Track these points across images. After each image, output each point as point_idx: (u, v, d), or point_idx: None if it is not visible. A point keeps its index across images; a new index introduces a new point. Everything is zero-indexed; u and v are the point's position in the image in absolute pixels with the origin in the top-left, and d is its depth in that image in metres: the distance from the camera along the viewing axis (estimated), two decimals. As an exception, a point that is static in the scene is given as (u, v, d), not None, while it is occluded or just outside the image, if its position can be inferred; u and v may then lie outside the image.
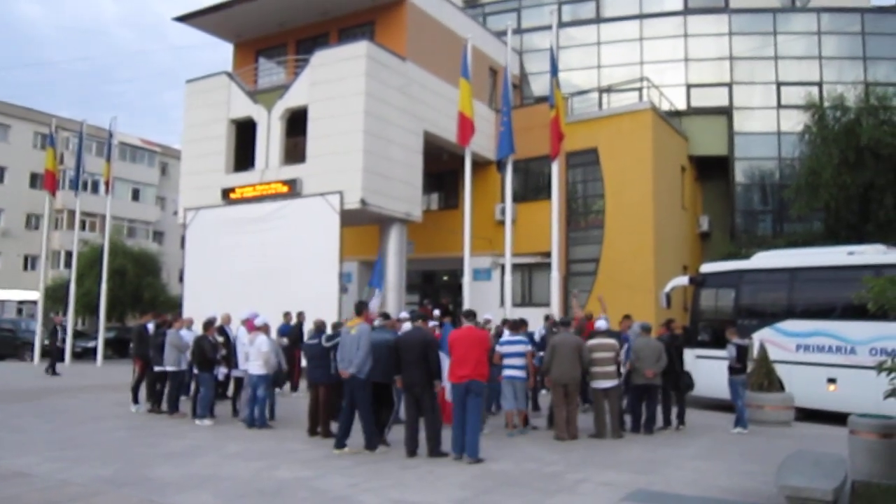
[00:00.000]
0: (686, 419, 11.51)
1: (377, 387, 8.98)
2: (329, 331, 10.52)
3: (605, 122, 22.30)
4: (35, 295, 30.38)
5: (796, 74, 24.71)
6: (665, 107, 24.32)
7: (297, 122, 19.63)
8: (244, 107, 20.66)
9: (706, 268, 16.14)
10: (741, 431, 11.12)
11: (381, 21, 20.65)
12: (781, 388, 12.43)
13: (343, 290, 18.89)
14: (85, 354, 25.39)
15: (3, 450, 8.84)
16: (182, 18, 22.44)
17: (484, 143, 21.29)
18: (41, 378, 18.64)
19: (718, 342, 13.06)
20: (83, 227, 35.26)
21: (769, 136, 24.78)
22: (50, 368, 19.42)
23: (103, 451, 8.92)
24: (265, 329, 11.10)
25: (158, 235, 47.95)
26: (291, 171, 19.34)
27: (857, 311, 11.40)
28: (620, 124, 21.74)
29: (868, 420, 7.17)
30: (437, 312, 14.92)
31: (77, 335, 26.17)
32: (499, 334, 11.44)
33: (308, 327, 12.32)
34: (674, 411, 11.45)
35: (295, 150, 19.90)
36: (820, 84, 23.97)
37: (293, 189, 19.04)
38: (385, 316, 10.64)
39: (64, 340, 21.86)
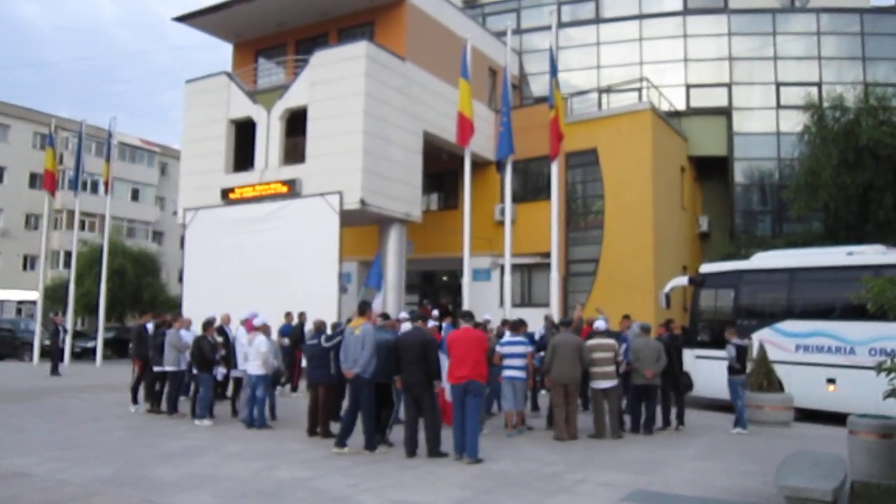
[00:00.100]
0: (685, 419, 11.52)
1: (378, 387, 8.99)
2: (329, 331, 10.53)
3: (604, 122, 22.30)
4: (34, 295, 30.40)
5: (795, 75, 24.72)
6: (664, 107, 24.33)
7: (296, 123, 19.63)
8: (244, 107, 20.66)
9: (705, 268, 16.15)
10: (740, 432, 11.12)
11: (380, 21, 20.65)
12: (781, 388, 12.43)
13: (343, 290, 18.89)
14: (84, 354, 25.39)
15: (2, 450, 8.84)
16: (181, 19, 22.43)
17: (483, 143, 21.29)
18: (40, 378, 18.63)
19: (718, 342, 13.06)
20: (82, 227, 35.21)
21: (768, 137, 24.79)
22: (64, 367, 19.40)
23: (102, 451, 8.91)
24: (264, 329, 11.09)
25: (158, 235, 47.94)
26: (291, 172, 19.34)
27: (856, 312, 11.41)
28: (620, 125, 21.74)
29: (867, 420, 7.17)
30: (435, 313, 14.91)
31: (76, 335, 26.17)
32: (500, 335, 11.43)
33: (309, 328, 12.32)
34: (673, 412, 11.46)
35: (294, 150, 19.90)
36: (819, 84, 23.98)
37: (293, 189, 19.04)
38: (385, 316, 10.64)
39: (65, 341, 21.86)
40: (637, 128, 21.35)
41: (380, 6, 20.46)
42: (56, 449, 8.97)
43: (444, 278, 25.10)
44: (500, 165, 17.73)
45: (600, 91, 25.63)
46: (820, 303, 13.88)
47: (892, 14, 25.94)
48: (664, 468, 8.27)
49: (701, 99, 25.35)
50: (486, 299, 20.73)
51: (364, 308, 9.37)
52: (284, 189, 19.20)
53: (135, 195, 46.97)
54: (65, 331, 21.94)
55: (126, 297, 31.93)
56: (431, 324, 10.67)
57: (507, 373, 10.43)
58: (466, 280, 17.10)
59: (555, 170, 17.13)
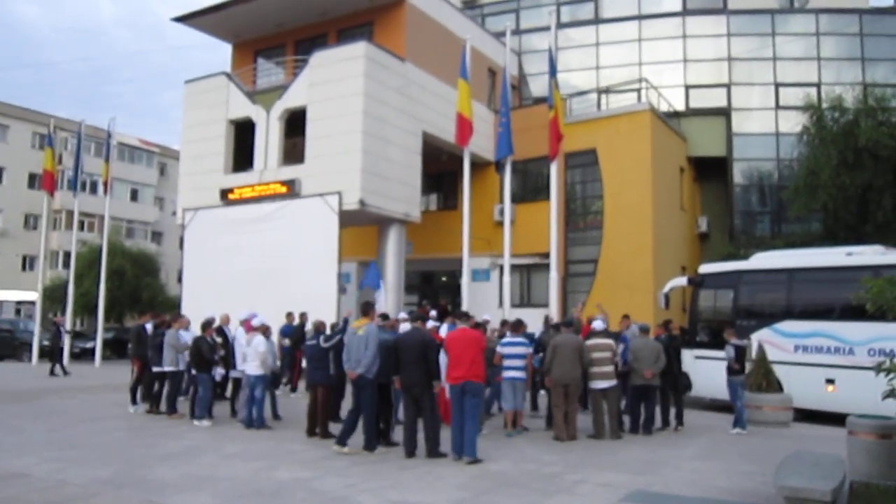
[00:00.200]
0: (685, 420, 11.52)
1: (380, 387, 9.00)
2: (328, 332, 10.53)
3: (603, 122, 22.31)
4: (33, 295, 30.38)
5: (795, 75, 24.76)
6: (664, 108, 24.34)
7: (295, 123, 19.63)
8: (243, 107, 20.66)
9: (705, 268, 16.17)
10: (740, 432, 11.13)
11: (379, 22, 20.65)
12: (780, 388, 12.44)
13: (342, 290, 18.88)
14: (83, 355, 25.35)
15: (2, 450, 8.83)
16: (181, 19, 22.44)
17: (483, 143, 21.29)
18: (40, 379, 18.60)
19: (717, 343, 13.07)
20: (81, 227, 35.16)
21: (768, 137, 24.82)
22: (60, 369, 19.38)
23: (102, 451, 8.91)
24: (263, 330, 11.08)
25: (157, 236, 47.90)
26: (290, 172, 19.33)
27: (855, 312, 11.43)
28: (619, 125, 21.76)
29: (866, 421, 7.18)
30: (433, 313, 14.89)
31: (75, 336, 26.12)
32: (502, 336, 11.42)
33: (310, 328, 12.32)
34: (672, 412, 11.46)
35: (294, 150, 19.89)
36: (818, 85, 24.01)
37: (292, 189, 19.03)
38: (384, 317, 10.64)
39: (64, 342, 21.82)
40: (636, 128, 21.36)
41: (379, 6, 20.47)
42: (55, 449, 8.97)
43: (444, 279, 25.10)
44: (499, 166, 17.72)
45: (599, 91, 25.65)
46: (819, 303, 13.89)
47: (890, 15, 25.99)
48: (663, 468, 8.27)
49: (700, 99, 25.37)
50: (485, 300, 20.73)
51: (367, 308, 9.37)
52: (283, 189, 19.20)
53: (134, 195, 46.93)
54: (66, 332, 21.90)
55: (125, 298, 31.89)
56: (431, 324, 10.67)
57: (507, 373, 10.43)
58: (465, 280, 17.08)
59: (554, 170, 17.13)
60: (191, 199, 21.17)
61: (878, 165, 19.46)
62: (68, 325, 23.61)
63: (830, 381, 12.96)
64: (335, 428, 9.80)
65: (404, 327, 10.17)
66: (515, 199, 19.46)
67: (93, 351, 24.11)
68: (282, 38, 22.61)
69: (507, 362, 10.43)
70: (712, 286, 15.59)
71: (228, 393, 12.73)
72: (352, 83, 18.42)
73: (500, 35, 22.91)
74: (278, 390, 13.18)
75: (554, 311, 16.04)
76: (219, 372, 11.73)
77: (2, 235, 41.75)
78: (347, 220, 18.63)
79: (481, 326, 11.51)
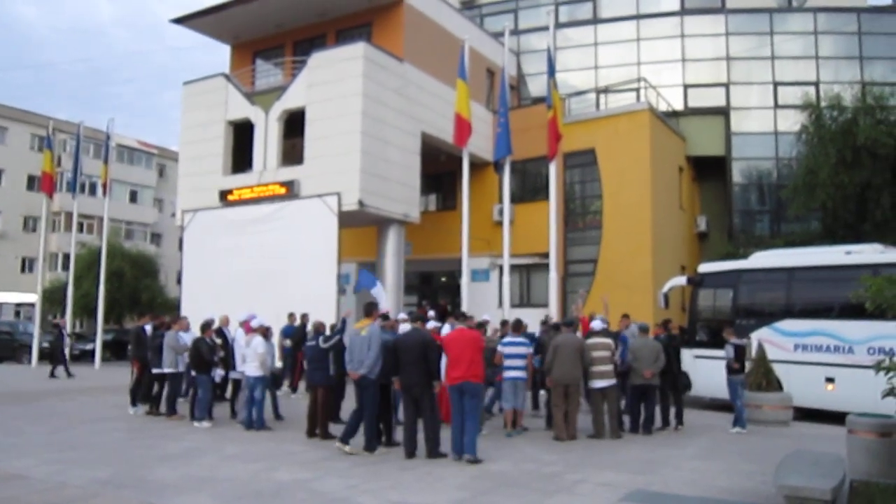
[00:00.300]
0: (684, 419, 11.53)
1: (381, 388, 9.01)
2: (328, 333, 10.53)
3: (602, 122, 22.31)
4: (33, 297, 30.35)
5: (793, 74, 24.77)
6: (662, 107, 24.34)
7: (294, 124, 19.62)
8: (242, 108, 20.65)
9: (704, 268, 16.18)
10: (740, 431, 11.14)
11: (378, 22, 20.65)
12: (780, 387, 12.44)
13: (341, 291, 18.87)
14: (83, 357, 25.34)
15: (1, 452, 8.82)
16: (179, 20, 22.43)
17: (481, 144, 21.29)
18: (40, 380, 18.61)
19: (717, 342, 13.08)
20: (80, 229, 35.19)
21: (766, 136, 24.84)
22: (63, 371, 19.37)
23: (101, 453, 8.90)
24: (263, 331, 11.08)
25: (156, 237, 47.88)
26: (289, 173, 19.33)
27: (854, 311, 11.42)
28: (618, 125, 21.76)
29: (866, 419, 7.18)
30: (431, 313, 14.87)
31: (75, 338, 26.11)
32: (504, 336, 11.41)
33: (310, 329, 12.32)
34: (672, 412, 11.46)
35: (293, 151, 19.88)
36: (817, 84, 24.03)
37: (291, 190, 19.02)
38: (385, 317, 10.64)
39: (66, 344, 21.81)
40: (635, 128, 21.36)
41: (377, 7, 20.47)
42: (55, 451, 8.96)
43: (443, 279, 25.10)
44: (498, 166, 17.73)
45: (598, 91, 25.65)
46: (818, 302, 13.90)
47: (889, 13, 26.01)
48: (663, 468, 8.27)
49: (699, 99, 25.38)
50: (484, 300, 20.73)
51: (370, 309, 9.38)
52: (283, 190, 19.19)
53: (133, 197, 46.93)
54: (68, 334, 21.89)
55: (124, 299, 31.89)
56: (433, 324, 10.67)
57: (508, 373, 10.44)
58: (465, 281, 17.09)
59: (553, 170, 17.14)
60: (190, 200, 21.16)
61: (877, 164, 19.47)
62: (68, 328, 23.62)
63: (830, 380, 12.96)
64: (335, 429, 9.81)
65: (404, 328, 10.17)
66: (514, 200, 19.46)
67: (92, 353, 24.10)
68: (280, 38, 22.61)
69: (507, 362, 10.44)
70: (712, 285, 15.59)
71: (228, 394, 12.73)
72: (350, 84, 18.42)
73: (498, 35, 22.91)
74: (281, 391, 13.20)
75: (554, 311, 16.06)
76: (218, 373, 11.74)
77: (1, 237, 41.74)
78: (346, 220, 18.62)
79: (482, 327, 11.54)
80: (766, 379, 12.25)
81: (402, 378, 8.65)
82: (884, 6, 27.24)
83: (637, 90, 24.47)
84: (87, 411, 12.89)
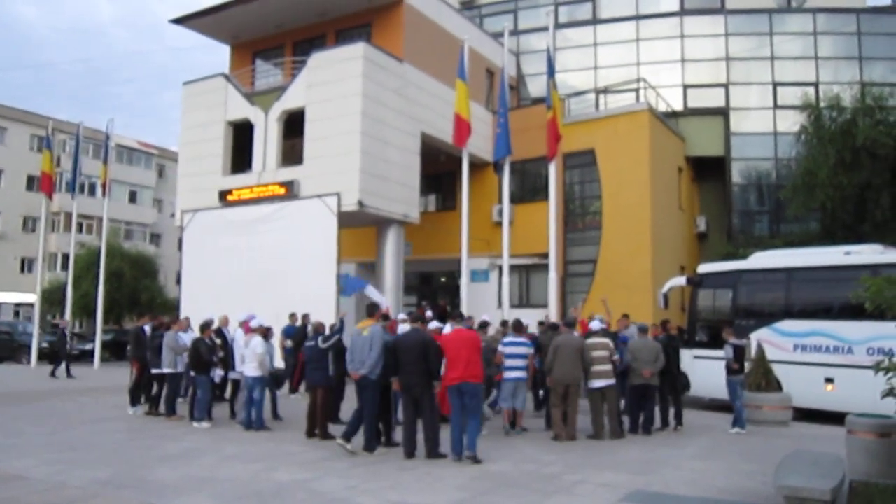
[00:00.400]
0: (684, 419, 11.53)
1: (383, 388, 9.02)
2: (327, 333, 10.53)
3: (602, 123, 22.31)
4: (32, 297, 30.32)
5: (792, 75, 24.78)
6: (662, 107, 24.34)
7: (294, 124, 19.62)
8: (241, 109, 20.65)
9: (703, 268, 16.18)
10: (739, 431, 11.14)
11: (378, 22, 20.66)
12: (779, 388, 12.45)
13: (341, 291, 18.85)
14: (82, 357, 25.34)
15: (1, 452, 8.82)
16: (179, 20, 22.43)
17: (481, 144, 21.30)
18: (39, 381, 18.61)
19: (716, 342, 13.08)
20: (80, 229, 35.20)
21: (766, 137, 24.84)
22: (65, 371, 19.36)
23: (101, 453, 8.90)
24: (263, 331, 11.08)
25: (155, 237, 47.88)
26: (289, 173, 19.33)
27: (854, 311, 11.44)
28: (617, 125, 21.76)
29: (866, 419, 7.18)
30: (429, 314, 14.86)
31: (76, 338, 26.10)
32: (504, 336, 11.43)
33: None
34: (671, 412, 11.47)
35: (292, 151, 19.88)
36: (816, 84, 24.04)
37: (290, 191, 19.02)
38: (385, 317, 10.64)
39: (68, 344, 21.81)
40: (634, 128, 21.36)
41: (377, 7, 20.47)
42: (54, 451, 8.96)
43: (443, 279, 25.10)
44: (497, 166, 17.74)
45: (598, 92, 25.64)
46: (818, 302, 13.91)
47: (888, 14, 26.02)
48: (663, 468, 8.28)
49: (698, 99, 25.39)
50: (484, 300, 20.73)
51: (373, 310, 9.40)
52: (282, 191, 19.19)
53: (132, 197, 46.94)
54: (71, 334, 21.89)
55: (124, 300, 31.89)
56: (435, 325, 10.67)
57: (508, 373, 10.44)
58: (464, 281, 17.09)
59: (552, 170, 17.15)
60: (189, 200, 21.16)
61: (876, 164, 19.47)
62: (67, 328, 23.61)
63: (829, 381, 12.96)
64: (334, 429, 9.81)
65: (403, 328, 10.17)
66: (514, 200, 19.48)
67: (92, 353, 24.09)
68: (280, 39, 22.61)
69: (508, 362, 10.45)
70: (711, 286, 15.60)
71: (228, 395, 12.73)
72: (350, 84, 18.42)
73: (498, 36, 22.91)
74: (281, 391, 13.20)
75: (553, 312, 16.06)
76: (217, 374, 11.74)
77: (0, 237, 41.72)
78: (346, 221, 18.62)
79: (484, 328, 11.55)
80: (765, 379, 12.26)
81: (401, 378, 8.65)
82: (883, 7, 27.27)
83: (636, 90, 24.47)
84: (87, 412, 12.89)
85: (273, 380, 11.79)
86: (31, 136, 43.28)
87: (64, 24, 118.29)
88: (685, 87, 25.57)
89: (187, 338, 12.01)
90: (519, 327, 10.98)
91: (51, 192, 26.09)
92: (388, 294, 19.05)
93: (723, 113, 25.10)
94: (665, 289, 16.56)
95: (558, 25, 25.01)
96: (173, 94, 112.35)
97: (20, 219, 42.82)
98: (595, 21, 27.20)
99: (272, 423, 11.33)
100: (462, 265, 17.20)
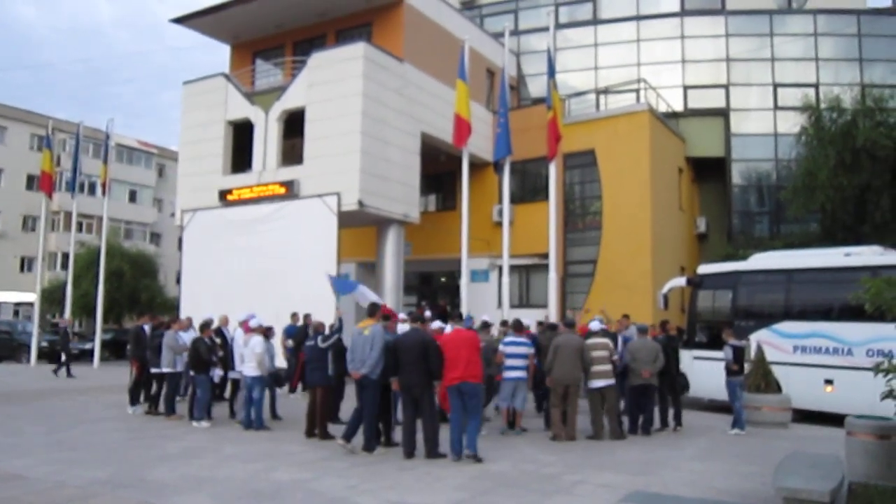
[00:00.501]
0: (683, 420, 11.53)
1: (383, 388, 9.02)
2: (327, 332, 10.53)
3: (602, 123, 22.32)
4: (32, 297, 30.32)
5: (793, 76, 24.80)
6: (662, 108, 24.35)
7: (294, 124, 19.62)
8: (241, 108, 20.65)
9: (703, 269, 16.18)
10: (738, 433, 11.14)
11: (378, 22, 20.65)
12: (779, 389, 12.44)
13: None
14: (82, 356, 25.33)
15: (0, 452, 8.82)
16: (179, 20, 22.42)
17: (481, 144, 21.30)
18: (39, 380, 18.60)
19: (716, 343, 13.08)
20: (80, 228, 35.21)
21: (766, 138, 24.86)
22: (65, 370, 19.38)
23: (100, 452, 8.90)
24: (264, 331, 11.08)
25: (155, 237, 47.88)
26: (289, 173, 19.32)
27: (853, 313, 11.46)
28: (617, 126, 21.76)
29: (865, 421, 7.19)
30: (428, 314, 14.83)
31: (77, 338, 26.11)
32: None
33: (311, 329, 12.30)
34: (671, 413, 11.47)
35: (292, 151, 19.88)
36: (816, 86, 24.05)
37: (291, 190, 19.02)
38: (386, 317, 10.63)
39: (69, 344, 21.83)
40: (635, 129, 21.37)
41: (377, 7, 20.47)
42: (54, 451, 8.96)
43: (443, 279, 25.11)
44: (497, 166, 17.73)
45: (598, 92, 25.65)
46: (817, 304, 13.91)
47: (888, 15, 26.03)
48: (662, 469, 8.28)
49: (698, 100, 25.40)
50: (484, 300, 20.74)
51: (374, 310, 9.40)
52: (282, 190, 19.19)
53: (132, 197, 46.94)
54: (73, 334, 21.91)
55: (124, 299, 31.89)
56: (438, 324, 10.67)
57: (508, 373, 10.44)
58: (464, 281, 17.09)
59: (553, 171, 17.15)
60: (189, 200, 21.16)
61: (876, 166, 19.47)
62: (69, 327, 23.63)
63: (829, 382, 12.97)
64: (334, 429, 9.81)
65: (402, 328, 10.17)
66: (514, 200, 19.47)
67: (91, 352, 24.09)
68: (280, 39, 22.60)
69: (508, 362, 10.45)
70: (711, 287, 15.60)
71: (227, 394, 12.73)
72: (350, 84, 18.42)
73: (498, 36, 22.92)
74: (281, 390, 13.19)
75: (553, 312, 16.06)
76: (217, 373, 11.73)
77: (0, 237, 41.72)
78: (346, 220, 18.62)
79: (487, 328, 11.55)
80: (764, 380, 12.24)
81: (401, 378, 8.65)
82: (883, 8, 27.27)
83: (637, 91, 24.48)
84: (86, 411, 12.89)
85: (274, 379, 11.78)
86: (30, 136, 43.29)
87: (63, 24, 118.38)
88: (685, 87, 25.59)
89: (188, 337, 12.01)
90: (519, 327, 10.98)
91: (51, 191, 26.08)
92: (388, 294, 19.06)
93: (723, 114, 25.11)
94: (665, 289, 16.56)
95: (559, 26, 25.01)
96: (173, 94, 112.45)
97: (20, 218, 42.83)
98: (595, 21, 27.21)
99: (271, 422, 11.33)
100: (462, 265, 17.20)
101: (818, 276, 13.85)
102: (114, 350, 26.60)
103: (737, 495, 7.07)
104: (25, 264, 42.44)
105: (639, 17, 26.54)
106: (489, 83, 23.62)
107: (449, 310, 20.55)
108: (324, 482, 7.37)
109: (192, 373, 11.42)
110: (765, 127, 24.87)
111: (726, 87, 25.23)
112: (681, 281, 17.13)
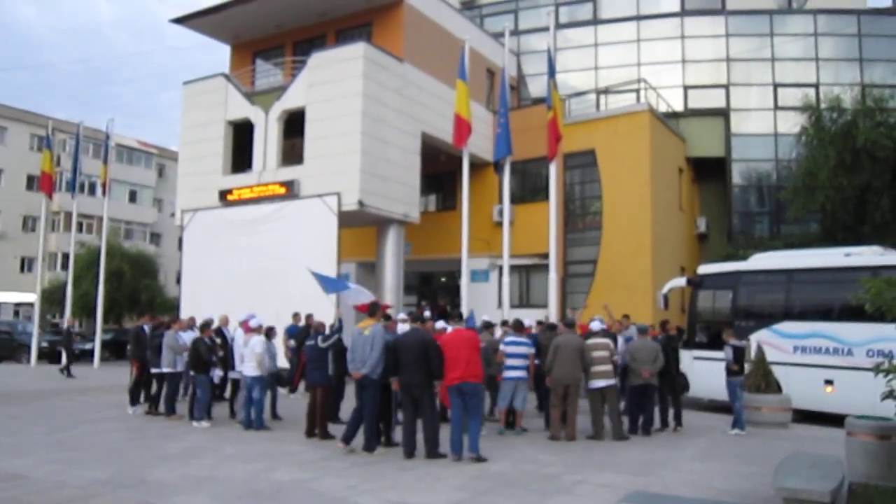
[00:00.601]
0: (683, 420, 11.54)
1: (383, 388, 9.03)
2: (327, 332, 10.54)
3: (602, 123, 22.32)
4: (32, 297, 30.32)
5: (793, 76, 24.79)
6: (662, 108, 24.35)
7: (294, 124, 19.63)
8: (241, 108, 20.65)
9: (704, 269, 16.18)
10: (738, 433, 11.14)
11: (378, 22, 20.66)
12: (779, 389, 12.44)
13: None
14: (82, 356, 25.34)
15: (0, 452, 8.82)
16: (179, 20, 22.42)
17: (481, 144, 21.30)
18: (39, 380, 18.62)
19: (716, 343, 13.08)
20: (80, 228, 35.20)
21: (766, 138, 24.85)
22: (66, 370, 19.41)
23: (100, 453, 8.90)
24: (265, 331, 11.08)
25: (155, 237, 47.89)
26: (289, 173, 19.33)
27: (854, 313, 11.45)
28: (618, 126, 21.76)
29: (865, 422, 7.18)
30: (427, 314, 14.82)
31: (79, 338, 26.11)
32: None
33: (312, 329, 12.30)
34: (671, 413, 11.47)
35: (292, 151, 19.89)
36: (816, 86, 24.04)
37: (291, 190, 19.02)
38: (387, 317, 10.64)
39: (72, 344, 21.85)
40: (635, 129, 21.37)
41: (377, 7, 20.47)
42: (54, 451, 8.96)
43: (443, 279, 25.11)
44: (498, 166, 17.72)
45: (598, 92, 25.65)
46: (818, 304, 13.91)
47: (888, 16, 26.02)
48: (662, 469, 8.28)
49: (699, 100, 25.40)
50: (484, 300, 20.73)
51: (374, 309, 9.40)
52: (282, 190, 19.19)
53: (132, 197, 46.95)
54: (76, 334, 21.93)
55: (124, 299, 31.89)
56: (441, 324, 10.66)
57: (508, 373, 10.44)
58: (465, 281, 17.08)
59: (553, 171, 17.15)
60: (189, 200, 21.16)
61: (876, 166, 19.46)
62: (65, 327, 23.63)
63: (829, 382, 12.97)
64: (334, 429, 9.81)
65: (402, 328, 10.17)
66: (514, 200, 19.47)
67: (91, 352, 24.09)
68: (280, 39, 22.61)
69: (509, 361, 10.45)
70: (711, 287, 15.60)
71: (227, 394, 12.73)
72: (351, 84, 18.42)
73: (498, 36, 22.92)
74: (282, 390, 13.19)
75: (553, 312, 16.05)
76: (217, 373, 11.73)
77: (0, 237, 41.73)
78: (346, 220, 18.62)
79: (489, 328, 11.54)
80: (765, 381, 12.25)
81: (401, 378, 8.65)
82: (884, 8, 27.26)
83: (637, 91, 24.48)
84: (87, 411, 12.88)
85: (276, 379, 11.78)
86: (30, 136, 43.29)
87: (63, 24, 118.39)
88: (686, 87, 25.58)
89: (188, 337, 12.01)
90: (520, 327, 10.99)
91: (51, 191, 26.07)
92: (388, 294, 19.07)
93: (723, 114, 25.10)
94: (665, 289, 16.56)
95: (559, 26, 25.02)
96: (173, 94, 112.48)
97: (20, 218, 42.83)
98: (596, 21, 27.21)
99: (271, 422, 11.33)
100: (462, 265, 17.19)
101: (818, 277, 13.85)
102: (114, 350, 26.59)
103: (737, 495, 7.07)
104: (25, 264, 42.44)
105: (639, 17, 26.54)
106: (489, 83, 23.62)
107: (449, 310, 20.56)
108: (324, 482, 7.37)
109: (192, 373, 11.42)
110: (765, 127, 24.87)
111: (726, 87, 25.23)
112: (681, 281, 17.13)
